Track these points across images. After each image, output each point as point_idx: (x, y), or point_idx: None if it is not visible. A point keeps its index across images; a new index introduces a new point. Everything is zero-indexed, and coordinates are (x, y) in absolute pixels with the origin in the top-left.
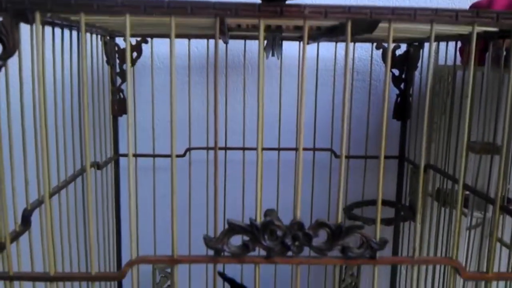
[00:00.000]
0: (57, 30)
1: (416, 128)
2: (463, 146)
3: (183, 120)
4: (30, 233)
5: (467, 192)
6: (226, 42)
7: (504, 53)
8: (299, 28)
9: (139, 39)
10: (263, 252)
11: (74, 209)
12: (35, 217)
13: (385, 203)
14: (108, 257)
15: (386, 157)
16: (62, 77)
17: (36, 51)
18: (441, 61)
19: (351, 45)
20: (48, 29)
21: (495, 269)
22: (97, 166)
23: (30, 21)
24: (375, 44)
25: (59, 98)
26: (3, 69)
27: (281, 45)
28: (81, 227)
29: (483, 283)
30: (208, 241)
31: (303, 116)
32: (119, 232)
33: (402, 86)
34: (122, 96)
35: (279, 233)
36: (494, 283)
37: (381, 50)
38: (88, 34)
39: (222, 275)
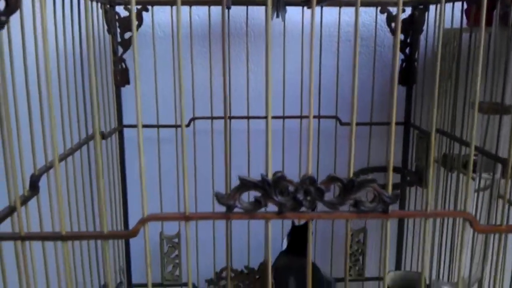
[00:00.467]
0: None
1: (422, 94)
2: (474, 105)
3: (186, 90)
4: (38, 198)
5: (475, 155)
6: (228, 7)
7: None
8: None
9: (139, 7)
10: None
11: (80, 175)
12: (42, 184)
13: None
14: (115, 222)
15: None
16: (65, 45)
17: (39, 9)
18: (447, 25)
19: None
20: None
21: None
22: (102, 136)
23: None
24: (379, 8)
25: (62, 67)
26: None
27: (285, 6)
28: (88, 193)
29: (492, 240)
30: (219, 198)
31: (312, 82)
32: (126, 201)
33: (407, 51)
34: (124, 66)
35: (291, 188)
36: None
37: (385, 14)
38: (89, 2)
39: None
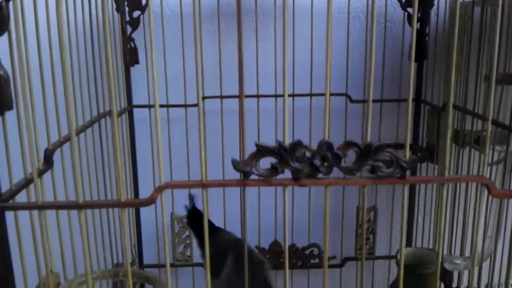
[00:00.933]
0: None
1: (433, 69)
2: (489, 76)
3: (195, 69)
4: (52, 172)
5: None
6: None
7: None
8: None
9: None
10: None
11: (93, 152)
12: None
13: (401, 146)
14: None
15: (402, 100)
16: (76, 24)
17: None
18: None
19: None
20: None
21: None
22: None
23: None
24: None
25: (74, 47)
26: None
27: None
28: (100, 169)
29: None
30: (236, 164)
31: (330, 60)
32: (136, 180)
33: (418, 26)
34: (133, 45)
35: (308, 154)
36: None
37: None
38: None
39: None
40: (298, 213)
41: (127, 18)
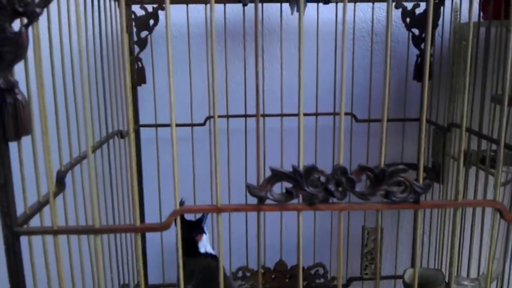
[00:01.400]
0: None
1: (438, 89)
2: (503, 96)
3: (202, 88)
4: (64, 195)
5: (494, 149)
6: (245, 4)
7: None
8: None
9: (155, 5)
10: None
11: (101, 173)
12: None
13: (410, 165)
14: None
15: (407, 120)
16: (87, 45)
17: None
18: (463, 19)
19: (369, 5)
20: None
21: None
22: (121, 135)
23: None
24: (394, 3)
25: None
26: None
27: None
28: (108, 189)
29: None
30: (251, 189)
31: (344, 81)
32: (142, 199)
33: (422, 46)
34: (140, 65)
35: (322, 179)
36: None
37: (400, 9)
38: (104, 1)
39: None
40: (303, 233)
41: (135, 39)
